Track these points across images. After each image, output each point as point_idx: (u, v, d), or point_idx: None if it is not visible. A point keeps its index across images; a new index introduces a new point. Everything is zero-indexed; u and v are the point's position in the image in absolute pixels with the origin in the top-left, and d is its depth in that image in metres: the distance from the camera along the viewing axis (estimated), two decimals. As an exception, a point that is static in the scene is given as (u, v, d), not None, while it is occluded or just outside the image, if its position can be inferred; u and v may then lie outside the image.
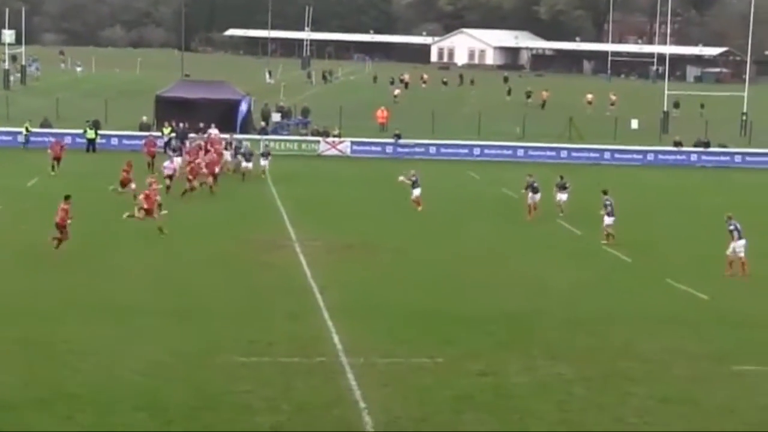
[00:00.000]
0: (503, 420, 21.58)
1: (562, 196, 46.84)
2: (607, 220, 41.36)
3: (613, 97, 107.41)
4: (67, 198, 36.66)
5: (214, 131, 64.34)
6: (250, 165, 56.13)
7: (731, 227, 36.31)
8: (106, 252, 36.78)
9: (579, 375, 24.67)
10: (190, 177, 48.70)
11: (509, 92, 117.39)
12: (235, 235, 39.54)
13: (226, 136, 62.29)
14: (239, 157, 57.07)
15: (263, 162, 57.16)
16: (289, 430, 20.71)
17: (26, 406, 21.58)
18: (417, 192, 47.31)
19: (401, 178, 47.90)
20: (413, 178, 47.59)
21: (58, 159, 56.50)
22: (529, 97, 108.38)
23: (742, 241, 36.09)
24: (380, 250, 38.43)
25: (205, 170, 49.62)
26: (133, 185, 45.58)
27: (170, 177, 48.90)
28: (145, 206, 39.35)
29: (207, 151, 54.28)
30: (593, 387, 23.86)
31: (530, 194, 46.56)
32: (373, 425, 21.04)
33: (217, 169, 51.05)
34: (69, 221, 35.98)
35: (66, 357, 24.62)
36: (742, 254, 36.05)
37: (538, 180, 46.71)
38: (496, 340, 27.26)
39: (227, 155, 57.47)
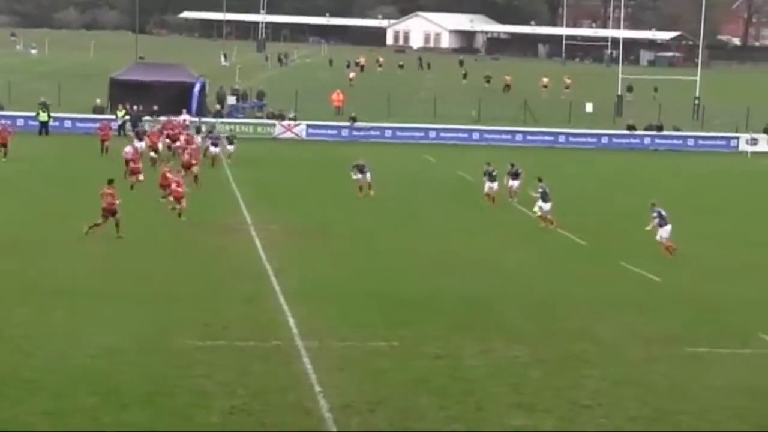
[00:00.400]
0: (459, 403, 21.65)
1: (514, 183, 46.23)
2: (543, 206, 40.72)
3: (568, 81, 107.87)
4: (110, 182, 36.62)
5: (184, 116, 64.53)
6: (218, 150, 55.07)
7: (654, 214, 36.42)
8: (58, 237, 36.49)
9: (534, 357, 24.81)
10: (194, 162, 47.32)
11: (465, 76, 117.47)
12: (189, 219, 39.36)
13: (195, 119, 62.10)
14: (208, 141, 55.84)
15: (229, 147, 56.18)
16: (246, 414, 20.67)
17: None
18: (367, 177, 46.52)
19: (354, 177, 46.82)
20: (362, 168, 46.63)
21: (4, 145, 55.02)
22: (488, 81, 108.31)
23: (668, 227, 36.16)
24: (336, 234, 38.43)
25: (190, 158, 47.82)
26: (141, 176, 44.63)
27: (127, 162, 46.93)
28: (178, 194, 39.40)
29: (168, 136, 53.99)
30: (548, 369, 23.99)
31: (488, 183, 46.21)
32: (328, 409, 21.05)
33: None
34: (117, 203, 35.74)
35: (19, 342, 24.43)
36: (665, 239, 36.08)
37: (496, 168, 46.53)
38: (451, 323, 27.33)
39: (198, 139, 56.36)
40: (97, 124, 60.79)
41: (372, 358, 24.48)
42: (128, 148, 48.73)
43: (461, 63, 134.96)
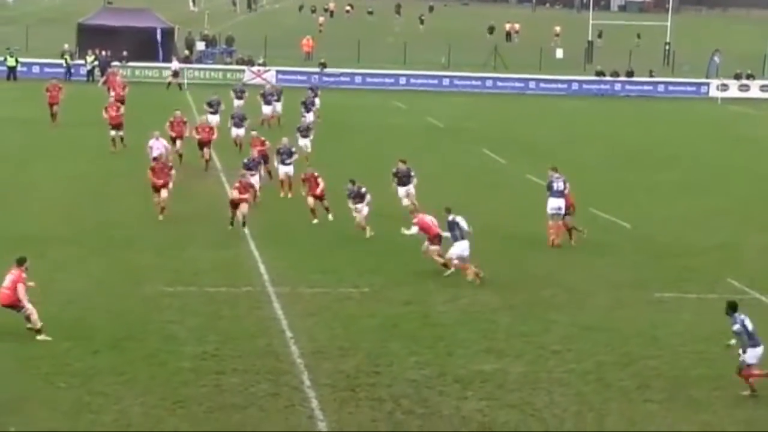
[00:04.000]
0: (429, 348, 21.79)
1: (360, 206, 31.40)
2: (401, 191, 33.50)
3: (558, 29, 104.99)
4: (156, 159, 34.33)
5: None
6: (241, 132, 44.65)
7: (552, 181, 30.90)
8: (24, 183, 36.29)
9: (503, 303, 24.97)
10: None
11: (422, 22, 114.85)
12: (186, 162, 39.02)
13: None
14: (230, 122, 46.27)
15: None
16: (217, 359, 20.73)
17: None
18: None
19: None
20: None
21: None
22: (492, 32, 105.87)
23: (561, 201, 30.75)
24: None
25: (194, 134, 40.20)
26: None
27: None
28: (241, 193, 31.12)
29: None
30: (517, 315, 24.17)
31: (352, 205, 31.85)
32: (299, 354, 21.15)
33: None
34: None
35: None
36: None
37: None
38: (421, 269, 27.40)
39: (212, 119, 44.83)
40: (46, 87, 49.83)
41: (342, 304, 24.57)
42: (154, 142, 37.62)
43: (431, 9, 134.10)
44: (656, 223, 34.04)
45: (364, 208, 30.98)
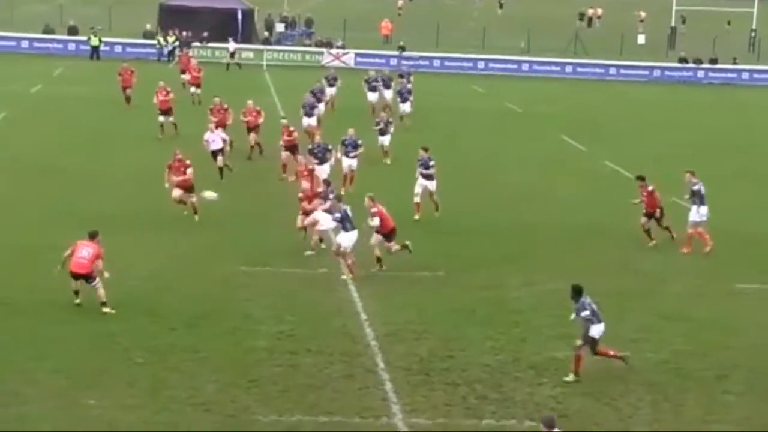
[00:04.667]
0: (503, 334, 21.69)
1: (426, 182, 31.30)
2: (422, 182, 30.91)
3: (642, 14, 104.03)
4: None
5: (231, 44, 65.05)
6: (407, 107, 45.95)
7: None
8: (100, 164, 36.70)
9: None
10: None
11: (501, 6, 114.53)
12: (237, 147, 39.30)
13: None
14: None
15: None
16: (293, 339, 20.82)
17: (31, 309, 21.79)
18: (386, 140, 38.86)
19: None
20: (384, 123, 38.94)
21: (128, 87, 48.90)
22: (582, 18, 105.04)
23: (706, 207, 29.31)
24: (382, 164, 38.26)
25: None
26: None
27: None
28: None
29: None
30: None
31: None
32: (374, 336, 21.18)
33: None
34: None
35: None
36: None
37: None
38: (496, 254, 27.30)
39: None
40: (118, 71, 50.03)
41: (417, 287, 24.55)
42: (209, 134, 35.55)
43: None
44: (738, 212, 33.48)
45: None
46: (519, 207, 32.75)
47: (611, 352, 19.83)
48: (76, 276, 21.75)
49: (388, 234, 25.51)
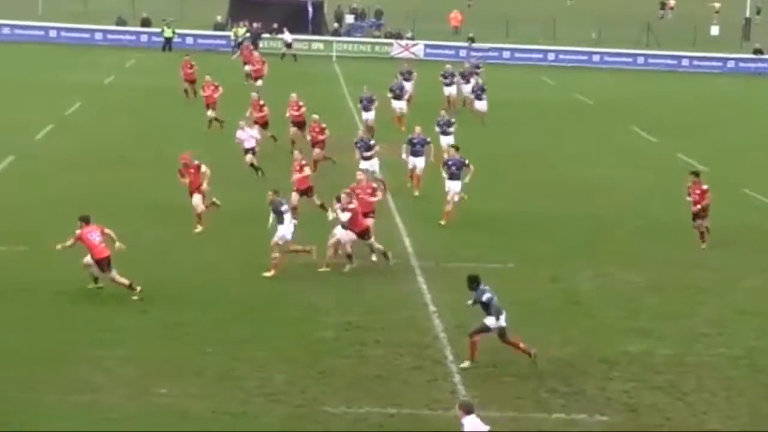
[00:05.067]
0: (573, 326, 21.50)
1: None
2: (450, 185, 29.23)
3: (717, 5, 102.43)
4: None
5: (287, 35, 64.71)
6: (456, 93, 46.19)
7: None
8: (167, 155, 36.79)
9: (650, 284, 24.46)
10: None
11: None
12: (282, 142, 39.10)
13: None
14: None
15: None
16: (361, 330, 20.78)
17: (104, 300, 21.95)
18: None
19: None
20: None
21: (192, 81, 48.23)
22: (663, 7, 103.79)
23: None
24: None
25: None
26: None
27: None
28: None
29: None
30: (664, 297, 23.63)
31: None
32: (443, 328, 21.09)
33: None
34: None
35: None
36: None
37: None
38: (566, 246, 27.08)
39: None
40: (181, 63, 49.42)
41: (487, 279, 24.24)
42: (241, 133, 34.08)
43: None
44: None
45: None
46: (590, 199, 32.45)
47: (521, 345, 19.34)
48: (103, 261, 21.86)
49: (361, 234, 24.63)
